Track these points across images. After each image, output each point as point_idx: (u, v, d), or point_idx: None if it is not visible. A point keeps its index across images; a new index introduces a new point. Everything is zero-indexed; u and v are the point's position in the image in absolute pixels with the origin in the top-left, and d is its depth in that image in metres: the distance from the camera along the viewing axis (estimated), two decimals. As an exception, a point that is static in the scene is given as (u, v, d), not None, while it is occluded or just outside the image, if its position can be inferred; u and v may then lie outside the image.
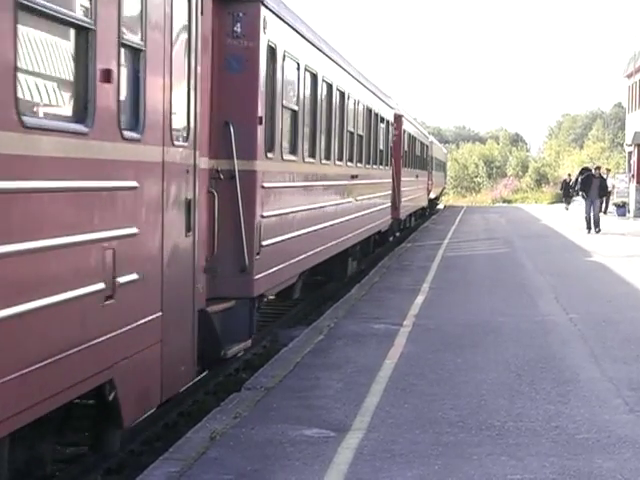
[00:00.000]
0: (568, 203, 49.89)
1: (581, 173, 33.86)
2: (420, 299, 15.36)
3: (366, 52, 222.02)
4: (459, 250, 25.44)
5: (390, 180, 24.85)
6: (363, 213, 18.97)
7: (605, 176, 36.79)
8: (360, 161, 18.60)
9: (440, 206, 59.96)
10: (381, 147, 22.48)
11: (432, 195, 48.43)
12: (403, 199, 28.30)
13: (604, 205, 38.59)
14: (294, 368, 10.16)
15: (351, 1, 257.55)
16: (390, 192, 24.71)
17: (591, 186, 31.35)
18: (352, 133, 17.45)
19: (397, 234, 29.51)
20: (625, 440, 7.48)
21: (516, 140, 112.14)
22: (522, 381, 9.53)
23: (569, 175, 54.52)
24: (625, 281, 17.97)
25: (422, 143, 39.19)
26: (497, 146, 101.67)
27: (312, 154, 13.70)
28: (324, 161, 14.57)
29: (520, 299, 15.42)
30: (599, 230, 30.60)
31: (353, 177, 17.27)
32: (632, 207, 41.74)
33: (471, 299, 15.46)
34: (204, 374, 10.29)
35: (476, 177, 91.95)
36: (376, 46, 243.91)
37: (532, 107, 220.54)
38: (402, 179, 28.06)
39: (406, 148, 30.18)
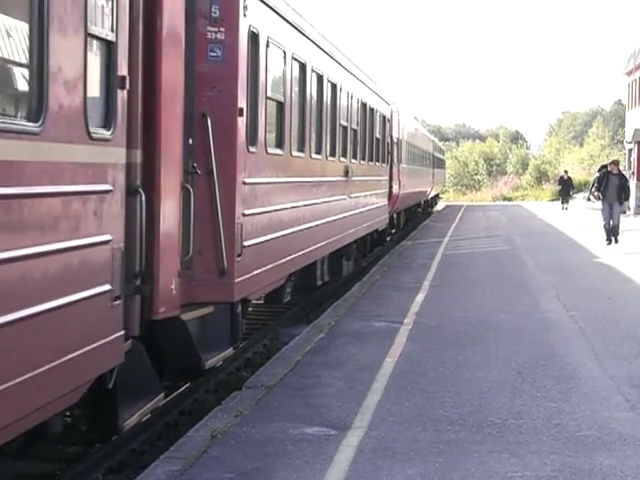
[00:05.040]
0: (566, 202, 48.92)
1: (599, 171, 26.61)
2: (421, 297, 15.35)
3: (366, 50, 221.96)
4: (460, 248, 25.43)
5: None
6: None
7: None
8: None
9: (439, 207, 57.41)
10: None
11: (410, 201, 33.81)
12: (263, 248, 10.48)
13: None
14: (295, 366, 10.16)
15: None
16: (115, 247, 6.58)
17: (608, 186, 25.09)
18: None
19: (241, 341, 11.34)
20: (626, 437, 7.48)
21: (516, 138, 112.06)
22: (523, 379, 9.52)
23: (566, 172, 53.92)
24: (626, 278, 17.97)
25: (367, 107, 20.00)
26: (497, 144, 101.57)
27: None
28: None
29: (521, 296, 15.41)
30: (617, 241, 25.52)
31: None
32: (632, 204, 41.71)
33: (472, 297, 15.44)
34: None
35: (476, 175, 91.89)
36: (376, 44, 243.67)
37: (532, 105, 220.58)
38: (256, 179, 9.86)
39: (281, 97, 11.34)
